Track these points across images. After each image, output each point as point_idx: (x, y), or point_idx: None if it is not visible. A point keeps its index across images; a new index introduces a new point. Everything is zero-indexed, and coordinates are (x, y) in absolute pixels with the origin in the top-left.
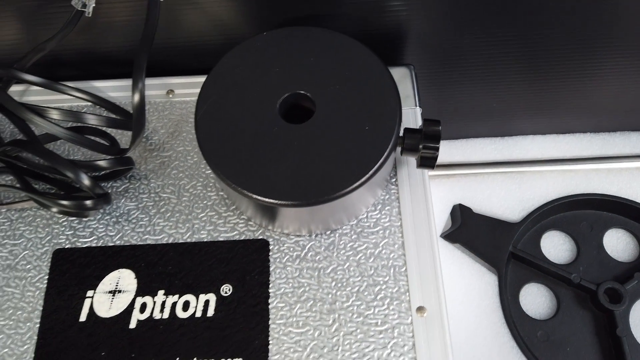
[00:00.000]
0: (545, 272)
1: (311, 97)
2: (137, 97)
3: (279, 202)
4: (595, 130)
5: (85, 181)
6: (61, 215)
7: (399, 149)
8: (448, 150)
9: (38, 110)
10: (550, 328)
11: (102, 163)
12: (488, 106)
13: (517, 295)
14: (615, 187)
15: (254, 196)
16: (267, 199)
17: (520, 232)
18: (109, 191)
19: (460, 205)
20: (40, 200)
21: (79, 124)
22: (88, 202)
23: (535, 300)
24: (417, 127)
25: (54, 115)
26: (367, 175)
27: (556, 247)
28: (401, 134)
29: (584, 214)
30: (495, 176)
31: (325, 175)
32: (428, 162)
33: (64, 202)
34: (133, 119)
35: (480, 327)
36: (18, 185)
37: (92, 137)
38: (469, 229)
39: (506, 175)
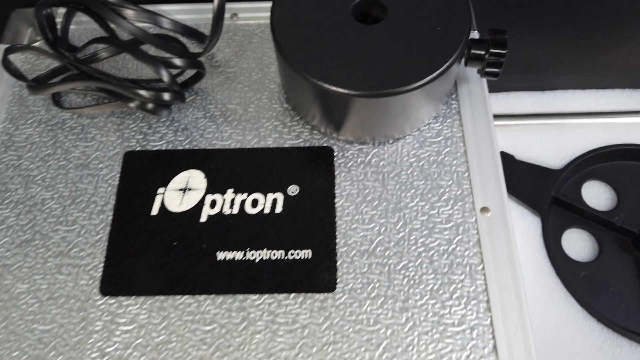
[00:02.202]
0: (587, 217)
1: (383, 2)
2: None
3: (352, 92)
4: (634, 86)
5: (165, 76)
6: (132, 122)
7: (461, 65)
8: None
9: (119, 11)
10: (592, 270)
11: (178, 62)
12: (531, 55)
13: (559, 239)
14: None
15: (329, 87)
16: (341, 90)
17: (562, 178)
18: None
19: (502, 152)
20: (119, 92)
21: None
22: (166, 95)
23: (577, 244)
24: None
25: (133, 15)
26: (438, 72)
27: (597, 195)
28: None
29: (624, 164)
30: (536, 127)
31: (397, 70)
32: (494, 67)
33: (144, 93)
34: (213, 18)
35: (525, 266)
36: (96, 84)
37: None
38: (511, 175)
39: (547, 127)
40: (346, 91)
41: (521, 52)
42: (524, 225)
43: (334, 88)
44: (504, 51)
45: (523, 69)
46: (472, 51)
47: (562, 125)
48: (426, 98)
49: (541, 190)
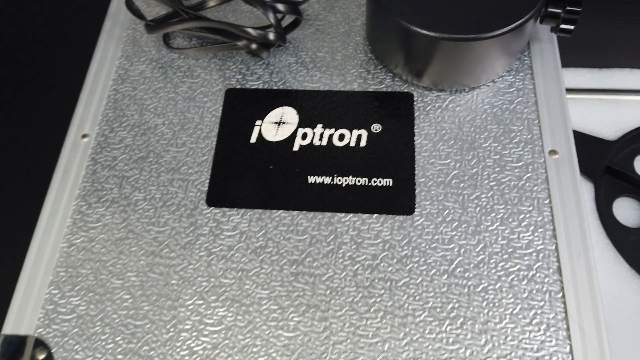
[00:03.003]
0: (638, 187)
1: None
2: None
3: (439, 35)
4: None
5: (272, 17)
6: (232, 64)
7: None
8: None
9: None
10: None
11: (281, 7)
12: (591, 33)
13: (610, 206)
14: None
15: (418, 30)
16: (428, 32)
17: (616, 149)
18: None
19: None
20: (230, 31)
21: None
22: (271, 34)
23: (628, 212)
24: None
25: None
26: (518, 22)
27: None
28: None
29: None
30: (591, 101)
31: (481, 19)
32: (569, 23)
33: (252, 31)
34: None
35: None
36: (208, 25)
37: None
38: None
39: (602, 101)
40: (433, 34)
41: (581, 30)
42: None
43: (422, 31)
44: (579, 9)
45: (582, 46)
46: (549, 9)
47: (617, 101)
48: (504, 48)
49: (595, 159)
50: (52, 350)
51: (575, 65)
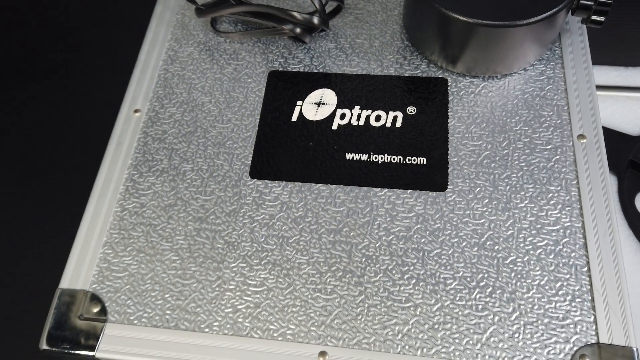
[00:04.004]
0: None
1: None
2: None
3: (475, 20)
4: None
5: (317, 2)
6: (275, 48)
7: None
8: None
9: None
10: None
11: None
12: (618, 31)
13: (633, 199)
14: None
15: (455, 15)
16: (465, 18)
17: None
18: (314, 35)
19: None
20: (276, 15)
21: None
22: (315, 19)
23: None
24: None
25: None
26: (551, 12)
27: None
28: None
29: None
30: (617, 98)
31: (514, 8)
32: (600, 15)
33: (297, 15)
34: None
35: None
36: (256, 9)
37: None
38: None
39: (628, 99)
40: (469, 20)
41: (608, 27)
42: None
43: (458, 16)
44: (610, 1)
45: (608, 44)
46: (581, 1)
47: None
48: (536, 37)
49: (619, 153)
50: (106, 304)
51: (602, 63)
